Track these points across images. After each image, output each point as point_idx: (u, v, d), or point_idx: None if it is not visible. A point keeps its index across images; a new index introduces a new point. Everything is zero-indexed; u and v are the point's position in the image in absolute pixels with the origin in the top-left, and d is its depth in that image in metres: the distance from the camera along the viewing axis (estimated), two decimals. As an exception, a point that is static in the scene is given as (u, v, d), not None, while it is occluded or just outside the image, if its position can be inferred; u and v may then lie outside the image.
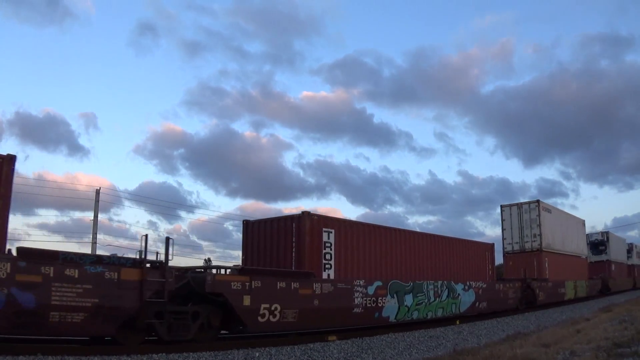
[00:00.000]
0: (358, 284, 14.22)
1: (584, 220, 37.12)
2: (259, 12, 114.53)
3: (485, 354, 8.98)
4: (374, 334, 13.95)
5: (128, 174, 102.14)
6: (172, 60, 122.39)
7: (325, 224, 13.92)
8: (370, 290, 14.67)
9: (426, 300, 16.99)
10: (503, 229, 29.23)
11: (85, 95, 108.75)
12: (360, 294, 14.23)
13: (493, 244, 22.30)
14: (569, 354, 7.96)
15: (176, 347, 9.93)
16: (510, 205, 29.17)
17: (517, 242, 28.38)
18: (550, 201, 46.24)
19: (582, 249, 35.67)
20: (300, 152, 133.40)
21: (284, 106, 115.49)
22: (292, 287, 12.14)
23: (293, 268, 13.18)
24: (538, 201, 28.41)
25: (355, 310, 14.00)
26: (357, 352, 11.65)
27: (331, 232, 13.91)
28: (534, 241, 27.71)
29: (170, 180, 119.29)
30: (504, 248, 28.86)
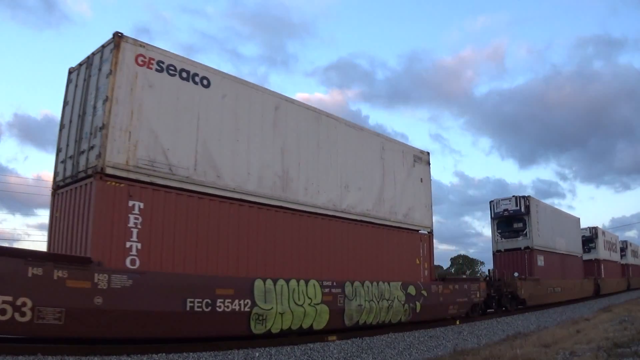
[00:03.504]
0: None
1: (425, 154, 17.88)
2: (253, 15, 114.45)
3: (485, 354, 8.98)
4: (374, 334, 13.95)
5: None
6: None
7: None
8: None
9: None
10: (61, 128, 11.14)
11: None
12: None
13: None
14: (569, 354, 7.96)
15: (176, 347, 9.93)
16: (80, 65, 11.07)
17: (70, 157, 10.49)
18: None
19: (419, 215, 16.87)
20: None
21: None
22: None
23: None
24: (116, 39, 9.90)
25: None
26: (357, 352, 11.65)
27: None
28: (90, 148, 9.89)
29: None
30: (55, 177, 11.00)
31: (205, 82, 11.33)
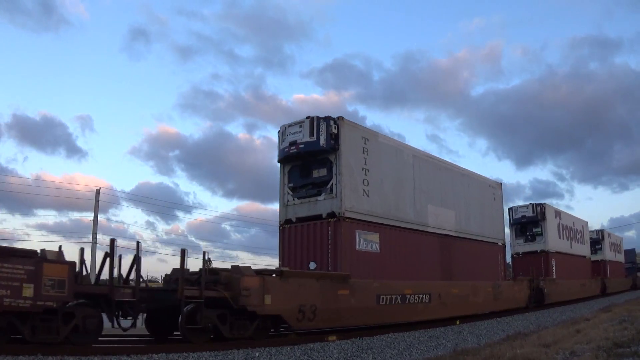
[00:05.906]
0: None
1: None
2: (249, 16, 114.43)
3: (485, 354, 8.97)
4: (374, 334, 13.94)
5: (125, 175, 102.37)
6: (164, 64, 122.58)
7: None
8: None
9: None
10: None
11: (81, 98, 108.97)
12: None
13: None
14: (569, 354, 7.96)
15: (176, 346, 9.95)
16: None
17: None
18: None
19: None
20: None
21: (277, 108, 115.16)
22: None
23: None
24: None
25: None
26: (357, 352, 11.64)
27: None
28: None
29: (167, 181, 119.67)
30: None
31: None
